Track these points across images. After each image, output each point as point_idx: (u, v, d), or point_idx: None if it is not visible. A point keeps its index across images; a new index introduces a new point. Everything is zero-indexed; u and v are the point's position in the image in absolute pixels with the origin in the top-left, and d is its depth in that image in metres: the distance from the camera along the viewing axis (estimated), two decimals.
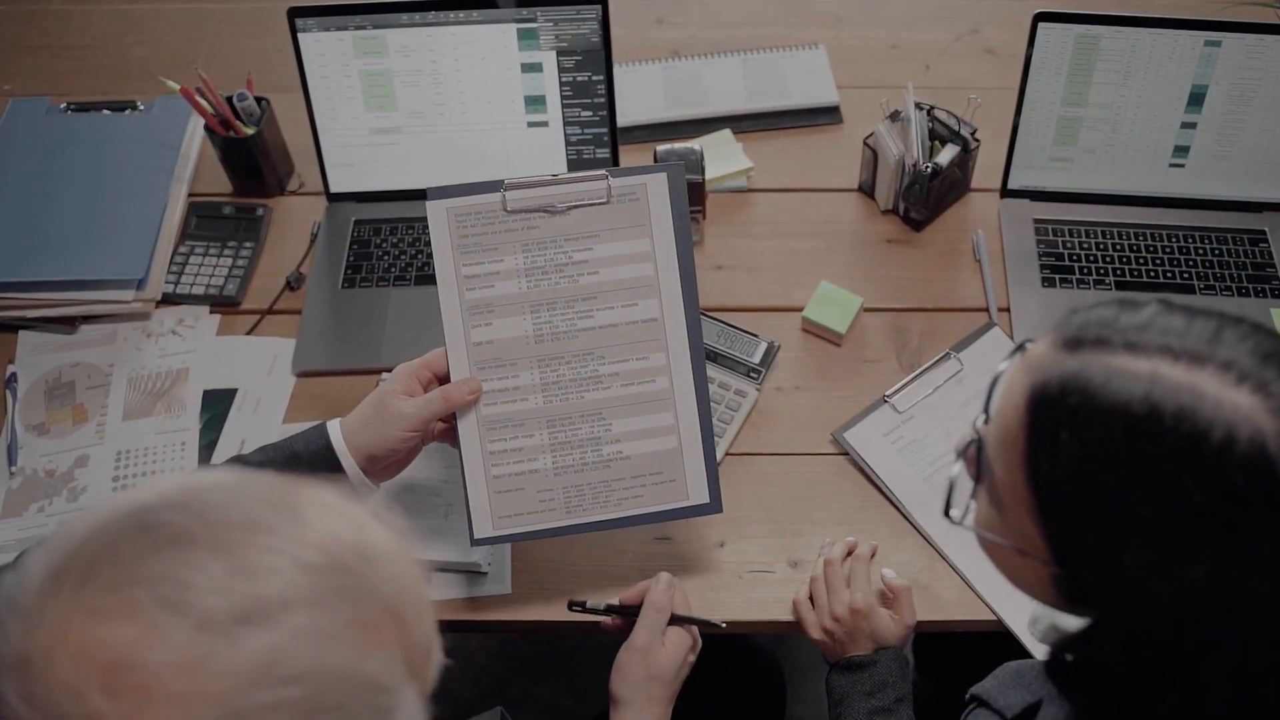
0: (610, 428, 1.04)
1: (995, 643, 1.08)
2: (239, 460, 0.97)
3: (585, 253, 1.03)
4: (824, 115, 1.52)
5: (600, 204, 1.03)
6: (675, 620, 1.01)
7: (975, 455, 0.71)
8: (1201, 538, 0.61)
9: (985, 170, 1.40)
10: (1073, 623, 0.72)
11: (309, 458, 0.96)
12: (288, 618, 0.51)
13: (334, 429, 0.98)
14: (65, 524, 0.57)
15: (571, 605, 1.05)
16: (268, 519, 0.54)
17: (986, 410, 0.71)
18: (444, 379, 1.03)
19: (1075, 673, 0.72)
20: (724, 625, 1.04)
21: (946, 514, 0.72)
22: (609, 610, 1.04)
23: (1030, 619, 0.97)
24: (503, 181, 1.02)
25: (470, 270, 1.03)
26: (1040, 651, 1.00)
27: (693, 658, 1.02)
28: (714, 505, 1.06)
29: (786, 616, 1.11)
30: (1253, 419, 0.59)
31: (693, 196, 1.24)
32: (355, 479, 0.97)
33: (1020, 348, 0.70)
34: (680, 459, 1.05)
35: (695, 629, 1.03)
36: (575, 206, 1.03)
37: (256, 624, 0.51)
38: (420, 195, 1.43)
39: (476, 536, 1.04)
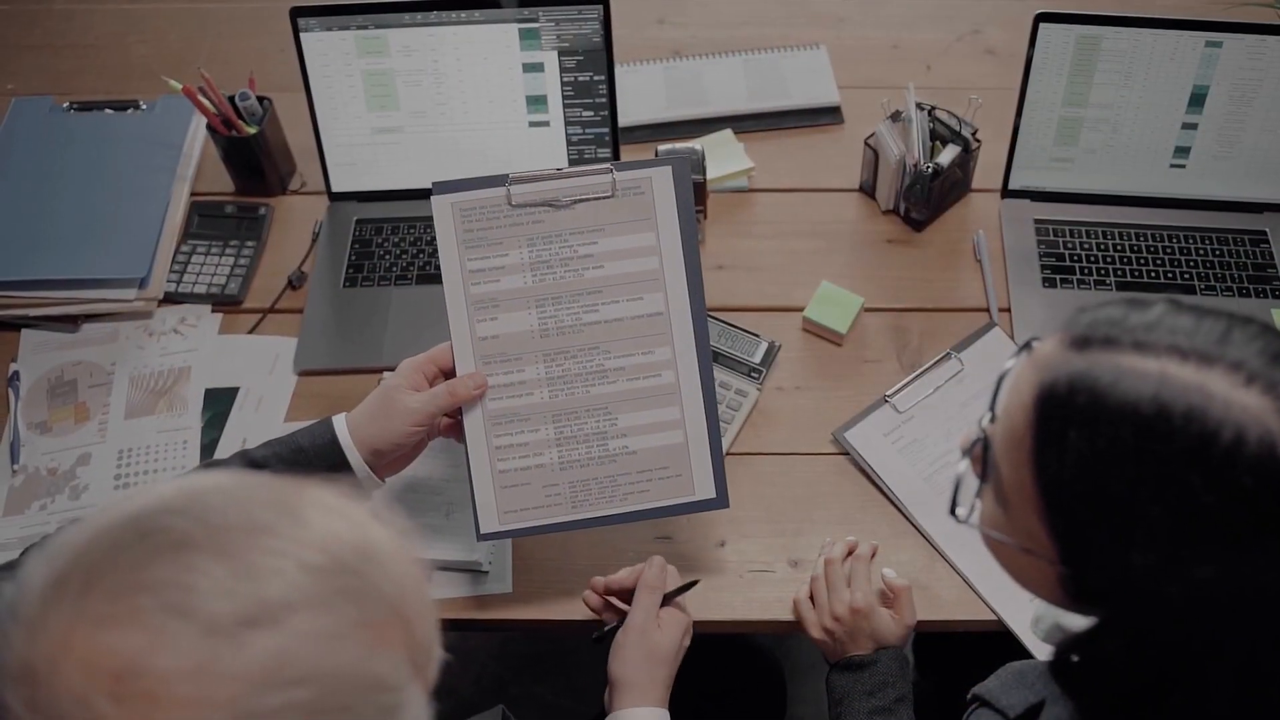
0: (616, 422, 1.04)
1: (996, 643, 1.08)
2: (244, 455, 0.97)
3: (590, 247, 1.03)
4: (825, 115, 1.52)
5: (605, 198, 1.03)
6: (665, 599, 1.01)
7: (981, 454, 0.71)
8: (1210, 538, 0.61)
9: (986, 170, 1.40)
10: (1077, 622, 0.72)
11: (314, 452, 0.96)
12: (293, 619, 0.51)
13: (339, 423, 0.98)
14: (63, 531, 0.57)
15: (595, 638, 1.04)
16: (268, 521, 0.54)
17: (993, 409, 0.71)
18: (449, 374, 1.03)
19: (1080, 673, 0.72)
20: (698, 580, 1.04)
21: (952, 512, 0.72)
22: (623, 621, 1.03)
23: (1033, 618, 0.98)
24: (507, 176, 1.02)
25: (475, 264, 1.03)
26: (1042, 651, 1.00)
27: (687, 641, 1.02)
28: (720, 500, 1.06)
29: (787, 616, 1.11)
30: (1262, 420, 0.59)
31: (694, 196, 1.24)
32: (361, 473, 0.97)
33: (1027, 346, 0.70)
34: (686, 453, 1.05)
35: (689, 612, 1.03)
36: (580, 200, 1.03)
37: (262, 627, 0.51)
38: (422, 195, 1.43)
39: (483, 531, 1.04)
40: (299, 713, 0.51)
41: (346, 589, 0.54)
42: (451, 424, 1.04)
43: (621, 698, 0.97)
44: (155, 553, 0.52)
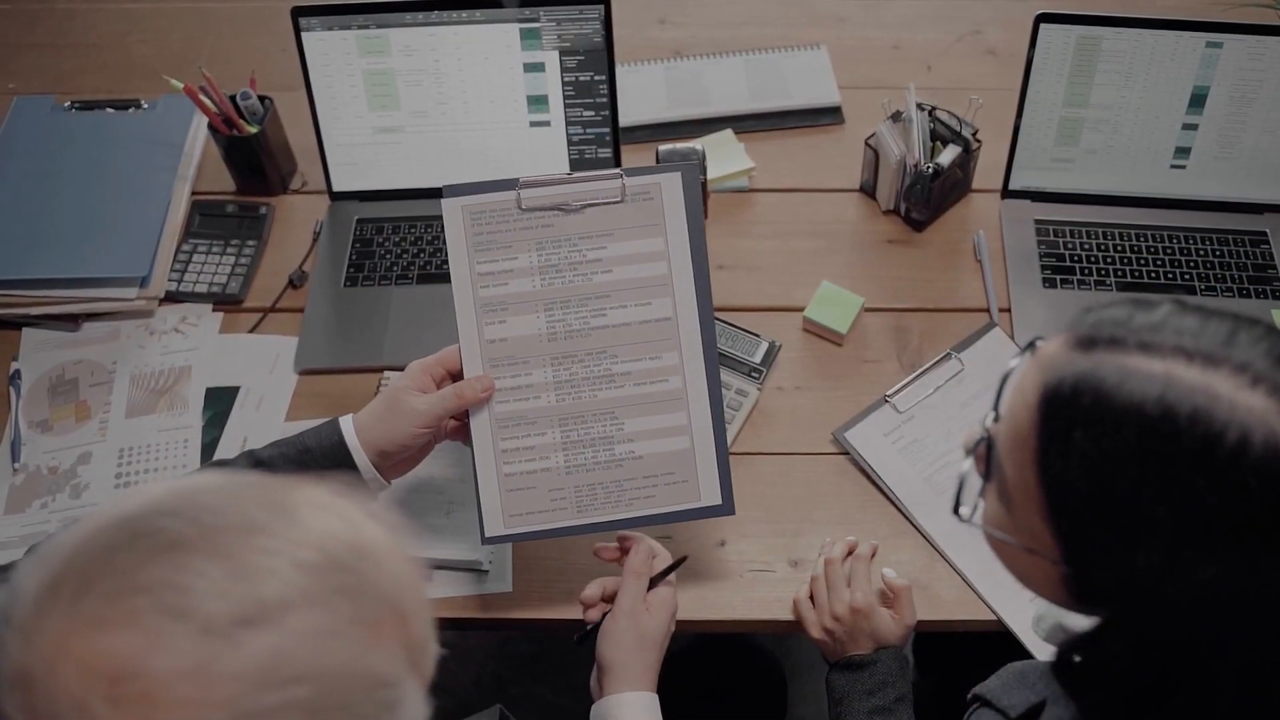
0: (622, 427, 1.04)
1: (995, 643, 1.08)
2: (251, 455, 0.98)
3: (599, 251, 1.03)
4: (826, 115, 1.52)
5: (615, 203, 1.03)
6: (652, 581, 1.01)
7: (985, 453, 0.71)
8: (1214, 539, 0.61)
9: (986, 171, 1.41)
10: (1080, 622, 0.72)
11: (321, 453, 0.96)
12: (289, 618, 0.52)
13: (346, 424, 0.98)
14: (54, 536, 0.57)
15: (577, 639, 1.04)
16: (262, 520, 0.54)
17: (996, 408, 0.71)
18: (457, 376, 1.03)
19: (1082, 673, 0.72)
20: (685, 557, 1.04)
21: (956, 511, 0.72)
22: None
23: (1035, 618, 0.98)
24: (518, 179, 1.02)
25: (484, 268, 1.03)
26: (1042, 651, 1.00)
27: (673, 625, 1.02)
28: (726, 507, 1.06)
29: (787, 616, 1.11)
30: (1267, 421, 0.59)
31: None
32: (367, 474, 0.98)
33: (1031, 346, 0.70)
34: (693, 459, 1.05)
35: (676, 596, 1.02)
36: (590, 205, 1.03)
37: (258, 626, 0.51)
38: (423, 194, 1.43)
39: (488, 535, 1.04)
40: (297, 711, 0.51)
41: (342, 586, 0.54)
42: (458, 426, 1.04)
43: (612, 683, 0.97)
44: (150, 554, 0.52)
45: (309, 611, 0.52)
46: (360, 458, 0.97)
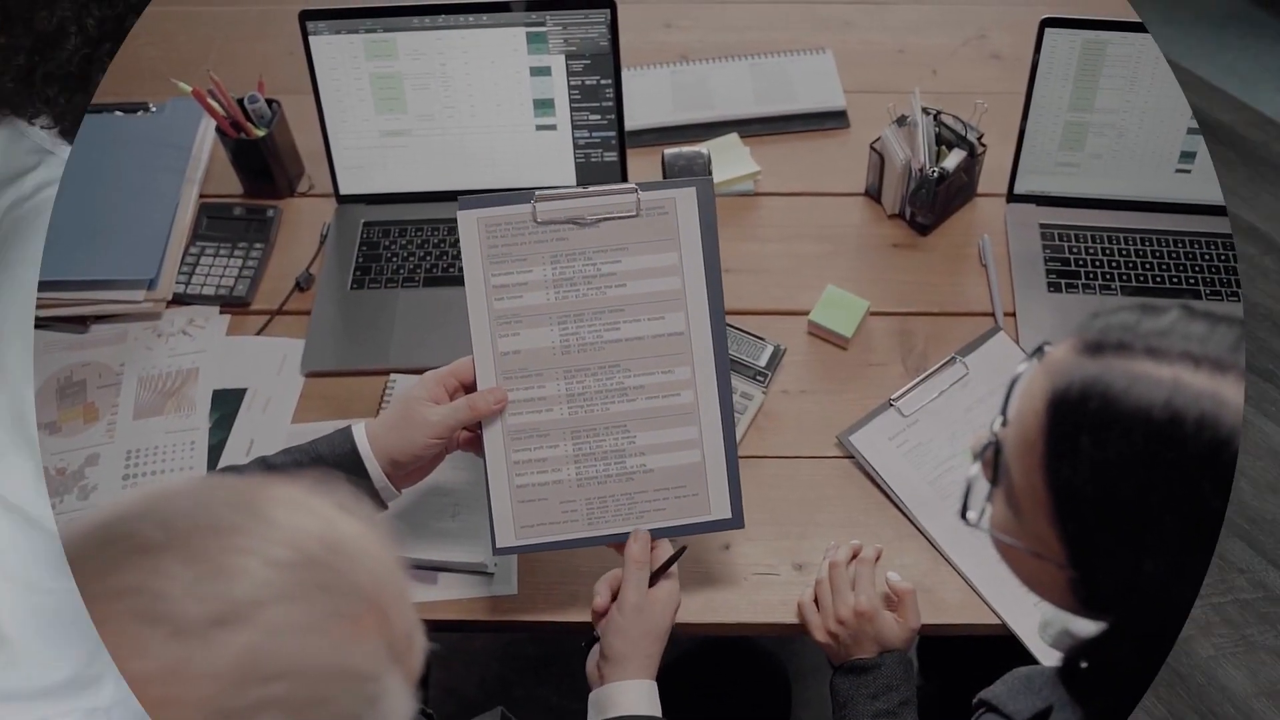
0: (634, 440, 1.04)
1: (999, 646, 1.08)
2: (263, 461, 0.98)
3: (613, 265, 1.03)
4: (831, 119, 1.52)
5: (629, 217, 1.03)
6: (655, 573, 1.01)
7: (993, 458, 0.71)
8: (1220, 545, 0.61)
9: (991, 175, 1.41)
10: (1086, 628, 0.72)
11: (333, 460, 0.97)
12: (263, 616, 0.52)
13: (359, 433, 0.98)
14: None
15: (585, 645, 1.05)
16: (233, 520, 0.54)
17: (1004, 413, 0.71)
18: (470, 387, 1.03)
19: (1089, 679, 0.72)
20: (685, 547, 1.04)
21: (964, 515, 0.73)
22: None
23: (1041, 623, 0.98)
24: (533, 192, 1.03)
25: (499, 280, 1.03)
26: (1046, 656, 1.00)
27: (674, 619, 1.02)
28: (736, 520, 1.06)
29: (791, 619, 1.11)
30: None
31: None
32: (379, 483, 0.98)
33: (1039, 351, 0.71)
34: (703, 473, 1.05)
35: (678, 589, 1.03)
36: (604, 219, 1.03)
37: (232, 625, 0.51)
38: (429, 198, 1.43)
39: (499, 545, 1.04)
40: (277, 708, 0.51)
41: (317, 582, 0.54)
42: (471, 438, 1.04)
43: (613, 671, 0.98)
44: (121, 559, 0.52)
45: (284, 608, 0.52)
46: (372, 466, 0.97)
